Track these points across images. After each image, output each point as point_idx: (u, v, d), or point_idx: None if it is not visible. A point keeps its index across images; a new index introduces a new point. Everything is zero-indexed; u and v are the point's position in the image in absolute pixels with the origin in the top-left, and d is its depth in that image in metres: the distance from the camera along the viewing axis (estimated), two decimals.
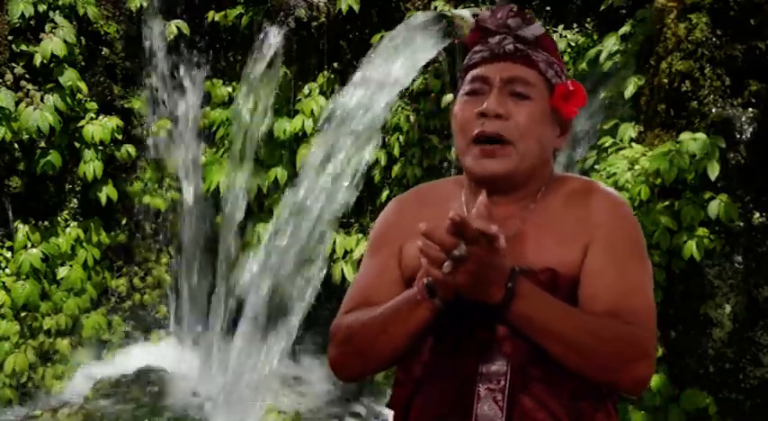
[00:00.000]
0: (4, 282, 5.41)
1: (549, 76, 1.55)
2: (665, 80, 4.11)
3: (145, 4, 6.11)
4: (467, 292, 1.39)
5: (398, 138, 5.52)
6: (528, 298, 1.40)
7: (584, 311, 1.47)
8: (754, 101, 3.93)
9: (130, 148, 5.96)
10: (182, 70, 6.43)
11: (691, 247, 3.74)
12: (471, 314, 1.44)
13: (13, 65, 5.44)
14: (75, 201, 5.86)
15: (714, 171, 3.73)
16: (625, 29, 4.57)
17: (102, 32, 5.95)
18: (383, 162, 5.56)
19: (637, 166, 3.99)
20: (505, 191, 1.55)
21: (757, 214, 3.87)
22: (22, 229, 5.53)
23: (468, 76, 1.59)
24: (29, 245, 5.50)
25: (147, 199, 6.18)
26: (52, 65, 5.42)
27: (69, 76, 5.42)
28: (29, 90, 5.39)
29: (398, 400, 1.54)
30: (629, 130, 4.23)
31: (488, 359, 1.45)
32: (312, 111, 5.71)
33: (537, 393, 1.43)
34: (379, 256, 1.64)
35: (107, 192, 5.79)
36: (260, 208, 5.98)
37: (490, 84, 1.54)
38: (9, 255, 5.50)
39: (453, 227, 1.32)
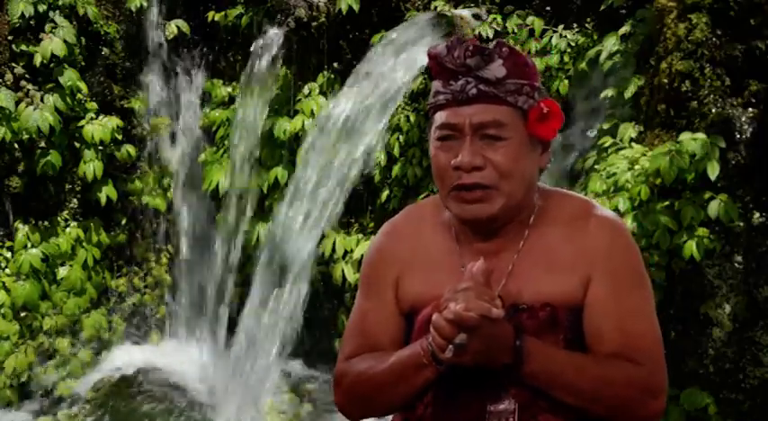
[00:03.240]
0: (4, 282, 5.40)
1: (520, 103, 1.47)
2: (665, 80, 4.11)
3: (145, 4, 6.10)
4: (474, 365, 1.40)
5: (398, 138, 5.51)
6: (536, 357, 1.40)
7: (591, 350, 1.47)
8: (754, 101, 3.93)
9: (130, 148, 5.95)
10: (182, 70, 6.43)
11: (691, 247, 3.74)
12: None
13: (13, 65, 5.44)
14: (75, 201, 5.86)
15: (714, 171, 3.73)
16: (625, 29, 4.56)
17: (102, 32, 5.94)
18: (383, 162, 5.56)
19: (637, 166, 3.98)
20: (495, 227, 1.52)
21: (757, 214, 3.87)
22: (22, 229, 5.53)
23: (437, 120, 1.51)
24: (29, 245, 5.49)
25: (146, 199, 6.17)
26: (52, 65, 5.42)
27: (69, 76, 5.42)
28: (29, 90, 5.38)
29: None
30: (629, 130, 4.23)
31: (495, 398, 1.45)
32: (312, 111, 5.71)
33: None
34: (376, 291, 1.61)
35: (107, 192, 5.79)
36: (260, 208, 5.97)
37: (461, 130, 1.47)
38: (9, 255, 5.50)
39: (451, 323, 1.34)
